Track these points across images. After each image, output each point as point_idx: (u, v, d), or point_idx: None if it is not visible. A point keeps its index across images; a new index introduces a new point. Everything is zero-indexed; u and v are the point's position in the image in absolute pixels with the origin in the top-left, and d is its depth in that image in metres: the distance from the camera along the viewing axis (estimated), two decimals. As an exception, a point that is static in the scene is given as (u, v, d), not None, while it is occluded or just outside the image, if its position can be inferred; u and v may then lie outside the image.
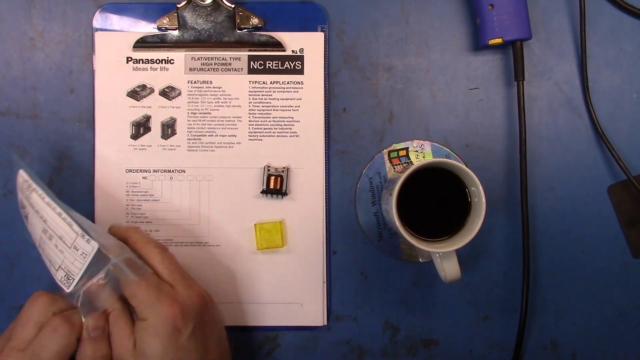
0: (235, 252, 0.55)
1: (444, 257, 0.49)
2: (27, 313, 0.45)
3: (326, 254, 0.55)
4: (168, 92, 0.55)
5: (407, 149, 0.56)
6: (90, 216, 0.55)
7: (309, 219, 0.55)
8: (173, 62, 0.55)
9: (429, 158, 0.56)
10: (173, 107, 0.55)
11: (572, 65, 0.56)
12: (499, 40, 0.53)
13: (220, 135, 0.55)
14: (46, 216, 0.46)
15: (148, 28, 0.55)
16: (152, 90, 0.55)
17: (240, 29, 0.55)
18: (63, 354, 0.43)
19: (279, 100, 0.55)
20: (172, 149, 0.55)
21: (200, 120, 0.55)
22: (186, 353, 0.44)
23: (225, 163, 0.55)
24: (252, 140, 0.55)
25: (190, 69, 0.55)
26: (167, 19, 0.55)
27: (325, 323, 0.55)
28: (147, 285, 0.44)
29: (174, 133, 0.55)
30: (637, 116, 0.56)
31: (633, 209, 0.56)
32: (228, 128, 0.55)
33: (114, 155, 0.55)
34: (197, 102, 0.55)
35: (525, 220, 0.54)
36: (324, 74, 0.55)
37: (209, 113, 0.55)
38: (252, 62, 0.55)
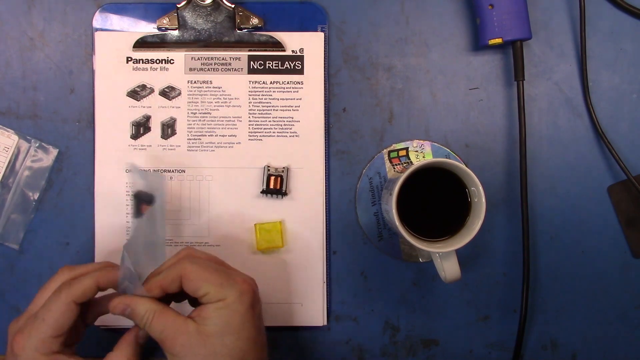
0: (235, 252, 0.55)
1: (444, 257, 0.49)
2: (48, 284, 0.46)
3: (326, 254, 0.55)
4: (168, 92, 0.55)
5: (407, 149, 0.56)
6: (91, 216, 0.55)
7: (309, 219, 0.55)
8: (173, 62, 0.55)
9: (429, 158, 0.56)
10: (173, 107, 0.55)
11: (572, 65, 0.56)
12: (499, 40, 0.53)
13: (220, 135, 0.55)
14: None
15: (148, 28, 0.55)
16: (152, 90, 0.55)
17: (240, 29, 0.55)
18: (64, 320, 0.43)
19: (279, 100, 0.55)
20: (172, 149, 0.55)
21: (200, 120, 0.55)
22: (259, 331, 0.45)
23: (225, 163, 0.55)
24: (252, 140, 0.55)
25: (190, 69, 0.55)
26: (167, 19, 0.55)
27: (325, 323, 0.55)
28: (213, 269, 0.44)
29: (174, 133, 0.55)
30: (637, 116, 0.56)
31: (633, 209, 0.56)
32: (228, 128, 0.55)
33: (114, 155, 0.55)
34: (197, 102, 0.55)
35: (525, 220, 0.54)
36: (324, 74, 0.55)
37: (209, 113, 0.55)
38: (252, 62, 0.55)
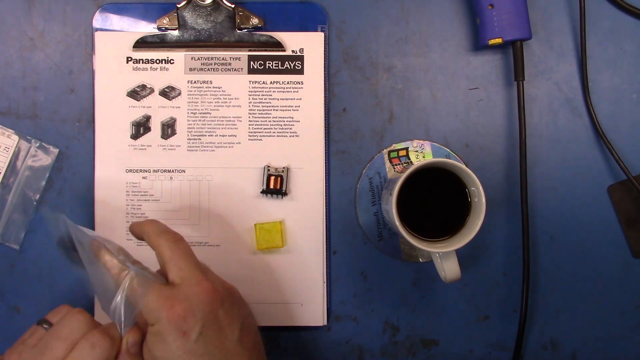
0: (235, 252, 0.55)
1: (444, 257, 0.49)
2: (64, 328, 0.43)
3: (326, 254, 0.55)
4: (168, 92, 0.55)
5: (407, 149, 0.56)
6: (91, 216, 0.55)
7: (309, 219, 0.55)
8: (173, 62, 0.55)
9: (429, 158, 0.56)
10: (173, 107, 0.55)
11: (572, 65, 0.56)
12: (499, 40, 0.53)
13: (220, 135, 0.55)
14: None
15: (148, 28, 0.55)
16: (152, 90, 0.55)
17: (240, 29, 0.55)
18: None
19: (279, 100, 0.55)
20: (172, 149, 0.55)
21: (200, 120, 0.55)
22: (196, 357, 0.41)
23: (225, 163, 0.55)
24: (252, 140, 0.55)
25: (190, 69, 0.55)
26: (167, 19, 0.55)
27: (325, 323, 0.55)
28: (151, 291, 0.42)
29: (174, 133, 0.55)
30: (637, 116, 0.56)
31: (633, 209, 0.56)
32: (228, 128, 0.55)
33: (114, 155, 0.55)
34: (197, 102, 0.55)
35: (525, 220, 0.54)
36: (324, 74, 0.55)
37: (209, 113, 0.55)
38: (252, 62, 0.55)
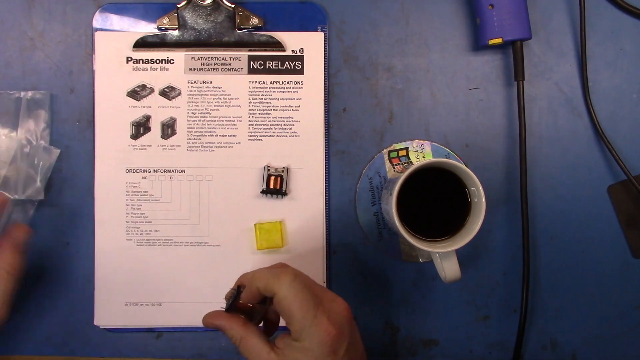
0: (235, 252, 0.55)
1: (444, 257, 0.49)
2: None
3: (326, 254, 0.55)
4: (168, 92, 0.55)
5: (407, 149, 0.56)
6: (91, 216, 0.55)
7: (309, 219, 0.55)
8: (173, 62, 0.55)
9: (429, 158, 0.56)
10: (173, 107, 0.55)
11: (572, 65, 0.56)
12: (499, 40, 0.53)
13: (220, 135, 0.55)
14: None
15: (148, 28, 0.55)
16: (152, 90, 0.55)
17: (240, 29, 0.55)
18: None
19: (279, 100, 0.55)
20: (172, 149, 0.55)
21: (200, 120, 0.55)
22: None
23: (225, 163, 0.55)
24: (252, 140, 0.55)
25: (190, 69, 0.55)
26: (167, 19, 0.55)
27: (325, 323, 0.55)
28: (304, 301, 0.42)
29: (174, 133, 0.55)
30: (637, 116, 0.56)
31: (633, 209, 0.56)
32: (228, 128, 0.55)
33: (114, 155, 0.55)
34: (197, 102, 0.55)
35: (525, 220, 0.54)
36: (324, 74, 0.55)
37: (209, 113, 0.55)
38: (252, 62, 0.55)
